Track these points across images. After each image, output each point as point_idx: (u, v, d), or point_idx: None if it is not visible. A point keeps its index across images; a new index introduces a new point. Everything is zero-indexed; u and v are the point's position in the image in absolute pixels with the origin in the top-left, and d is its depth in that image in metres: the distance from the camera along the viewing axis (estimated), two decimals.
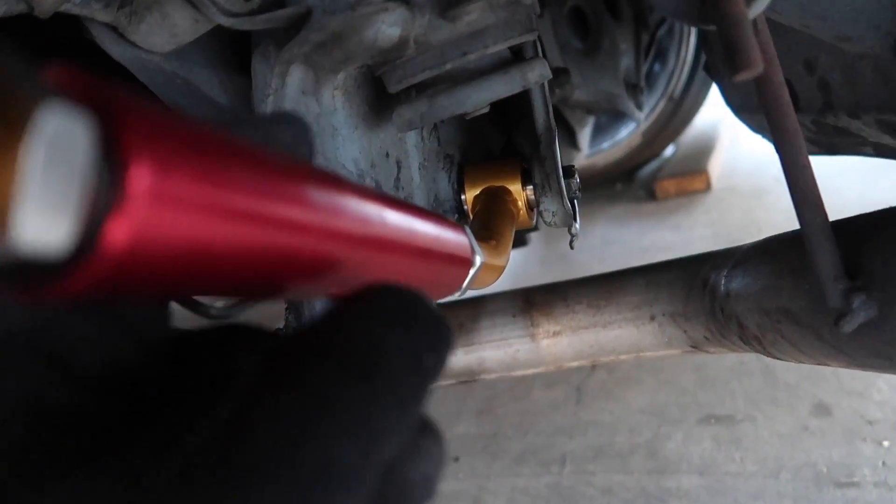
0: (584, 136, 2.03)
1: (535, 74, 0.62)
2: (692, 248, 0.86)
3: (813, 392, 1.36)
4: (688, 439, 1.34)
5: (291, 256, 0.22)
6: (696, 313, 0.79)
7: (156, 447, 0.20)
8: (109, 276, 0.16)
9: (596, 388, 1.58)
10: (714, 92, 2.28)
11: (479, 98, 0.60)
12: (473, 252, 0.47)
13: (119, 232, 0.16)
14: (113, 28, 0.55)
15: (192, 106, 0.63)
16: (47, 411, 0.20)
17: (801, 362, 0.67)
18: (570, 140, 1.96)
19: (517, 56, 0.64)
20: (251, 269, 0.21)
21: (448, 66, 0.58)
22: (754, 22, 0.49)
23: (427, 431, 0.23)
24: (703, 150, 2.82)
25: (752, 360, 1.49)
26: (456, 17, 0.55)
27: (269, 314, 0.70)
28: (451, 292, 0.47)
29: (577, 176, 0.82)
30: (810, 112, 0.85)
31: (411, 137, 0.75)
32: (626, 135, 2.43)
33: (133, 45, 0.56)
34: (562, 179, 0.79)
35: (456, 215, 0.85)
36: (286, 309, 0.57)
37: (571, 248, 0.87)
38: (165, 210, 0.17)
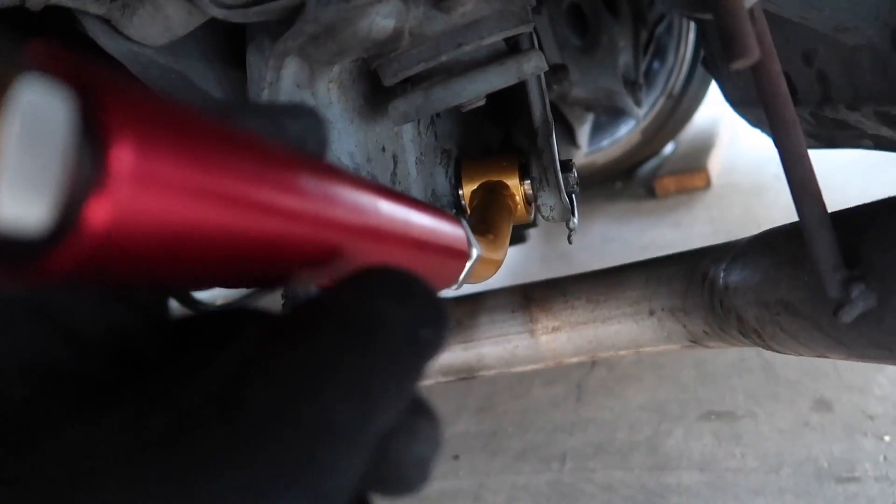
0: (583, 133, 2.03)
1: (531, 66, 0.61)
2: (692, 245, 0.85)
3: (813, 387, 1.36)
4: (688, 435, 1.34)
5: (281, 244, 0.21)
6: (696, 307, 0.79)
7: (155, 401, 0.20)
8: (90, 258, 0.16)
9: (596, 385, 1.58)
10: (713, 89, 2.28)
11: (474, 90, 0.60)
12: (470, 245, 0.47)
13: (100, 213, 0.16)
14: (106, 21, 0.55)
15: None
16: (49, 372, 0.20)
17: (800, 355, 0.67)
18: (569, 138, 1.96)
19: (513, 48, 0.64)
20: (238, 256, 0.20)
21: (443, 58, 0.58)
22: (751, 11, 0.48)
23: (422, 412, 0.23)
24: (702, 148, 2.82)
25: (752, 357, 1.49)
26: (450, 8, 0.54)
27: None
28: (448, 285, 0.47)
29: (574, 170, 0.82)
30: (809, 105, 0.85)
31: (408, 132, 0.75)
32: (626, 133, 2.42)
33: (126, 38, 0.55)
34: (559, 173, 0.78)
35: (453, 210, 0.84)
36: (282, 295, 0.57)
37: (570, 242, 0.87)
38: (149, 192, 0.16)
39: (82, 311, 0.22)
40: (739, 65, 0.42)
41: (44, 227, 0.16)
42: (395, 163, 0.73)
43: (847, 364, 1.37)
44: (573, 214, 0.82)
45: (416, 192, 0.77)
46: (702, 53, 1.25)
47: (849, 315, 0.51)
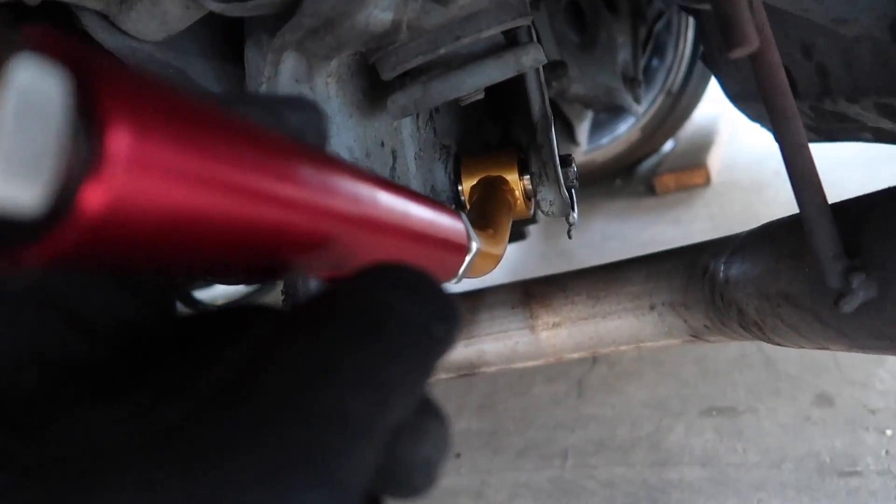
0: (583, 130, 2.03)
1: (530, 59, 0.61)
2: (692, 242, 0.85)
3: (815, 382, 1.36)
4: (690, 431, 1.34)
5: (278, 232, 0.21)
6: (696, 302, 0.78)
7: (169, 389, 0.20)
8: (85, 242, 0.16)
9: (597, 382, 1.58)
10: (713, 87, 2.28)
11: (473, 83, 0.60)
12: (470, 238, 0.47)
13: (96, 196, 0.15)
14: (104, 16, 0.55)
15: None
16: (60, 360, 0.20)
17: (801, 347, 0.67)
18: (569, 135, 1.96)
19: (511, 41, 0.64)
20: (235, 243, 0.20)
21: (442, 51, 0.58)
22: (749, 0, 0.48)
23: (431, 413, 0.23)
24: (702, 145, 2.82)
25: (753, 352, 1.49)
26: (448, 0, 0.54)
27: None
28: (448, 278, 0.47)
29: (574, 165, 0.82)
30: (809, 98, 0.84)
31: (406, 127, 0.75)
32: (625, 130, 2.42)
33: (124, 33, 0.55)
34: (559, 168, 0.78)
35: (453, 206, 0.84)
36: (282, 292, 0.57)
37: (570, 237, 0.86)
38: (145, 175, 0.16)
39: (91, 301, 0.22)
40: (738, 53, 0.42)
41: (39, 209, 0.15)
42: (394, 158, 0.73)
43: (848, 359, 1.37)
44: (573, 209, 0.82)
45: (416, 187, 0.77)
46: (701, 49, 1.25)
47: (849, 305, 0.51)
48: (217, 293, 1.97)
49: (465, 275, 0.49)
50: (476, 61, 0.60)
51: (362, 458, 0.19)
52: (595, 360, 1.64)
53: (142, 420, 0.18)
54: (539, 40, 0.66)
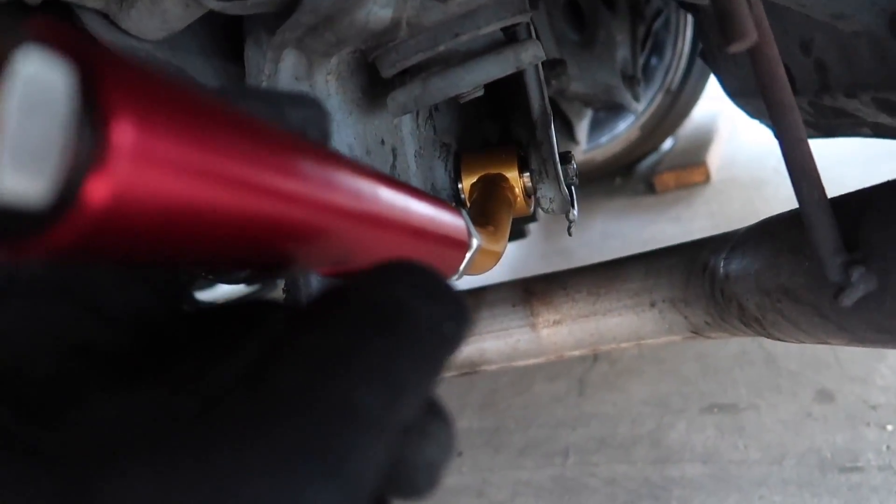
0: (582, 129, 2.03)
1: (529, 55, 0.61)
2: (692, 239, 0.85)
3: (815, 379, 1.36)
4: (691, 428, 1.34)
5: (281, 226, 0.21)
6: (696, 298, 0.78)
7: (184, 380, 0.20)
8: (90, 234, 0.16)
9: (598, 380, 1.58)
10: (711, 84, 2.28)
11: (472, 79, 0.60)
12: (470, 235, 0.47)
13: (100, 188, 0.15)
14: (104, 15, 0.55)
15: None
16: (78, 348, 0.21)
17: (801, 342, 0.67)
18: (568, 134, 1.96)
19: (510, 38, 0.64)
20: (238, 236, 0.20)
21: (441, 48, 0.58)
22: None
23: (437, 414, 0.23)
24: (701, 143, 2.82)
25: (754, 349, 1.49)
26: None
27: None
28: (449, 275, 0.47)
29: (573, 162, 0.82)
30: (807, 94, 0.85)
31: (406, 125, 0.75)
32: (625, 129, 2.43)
33: (124, 32, 0.55)
34: (558, 165, 0.78)
35: (453, 203, 0.84)
36: (283, 289, 0.57)
37: (570, 234, 0.87)
38: (149, 167, 0.16)
39: (111, 293, 0.22)
40: (737, 48, 0.42)
41: (45, 200, 0.15)
42: (395, 156, 0.73)
43: (849, 355, 1.37)
44: (572, 206, 0.82)
45: (416, 185, 0.77)
46: (699, 46, 1.26)
47: (850, 298, 0.51)
48: (217, 294, 1.97)
49: (465, 271, 0.49)
50: (475, 58, 0.60)
51: (372, 453, 0.19)
52: (596, 357, 1.64)
53: (158, 409, 0.19)
54: (538, 39, 0.66)
